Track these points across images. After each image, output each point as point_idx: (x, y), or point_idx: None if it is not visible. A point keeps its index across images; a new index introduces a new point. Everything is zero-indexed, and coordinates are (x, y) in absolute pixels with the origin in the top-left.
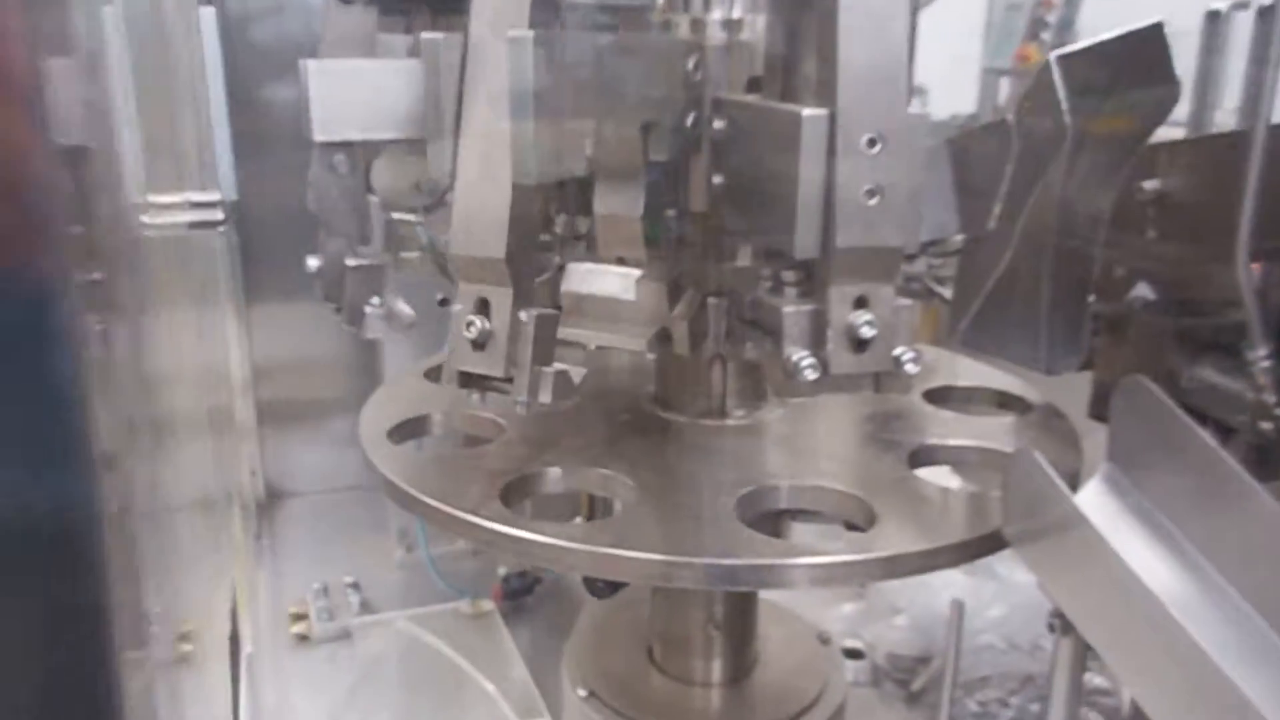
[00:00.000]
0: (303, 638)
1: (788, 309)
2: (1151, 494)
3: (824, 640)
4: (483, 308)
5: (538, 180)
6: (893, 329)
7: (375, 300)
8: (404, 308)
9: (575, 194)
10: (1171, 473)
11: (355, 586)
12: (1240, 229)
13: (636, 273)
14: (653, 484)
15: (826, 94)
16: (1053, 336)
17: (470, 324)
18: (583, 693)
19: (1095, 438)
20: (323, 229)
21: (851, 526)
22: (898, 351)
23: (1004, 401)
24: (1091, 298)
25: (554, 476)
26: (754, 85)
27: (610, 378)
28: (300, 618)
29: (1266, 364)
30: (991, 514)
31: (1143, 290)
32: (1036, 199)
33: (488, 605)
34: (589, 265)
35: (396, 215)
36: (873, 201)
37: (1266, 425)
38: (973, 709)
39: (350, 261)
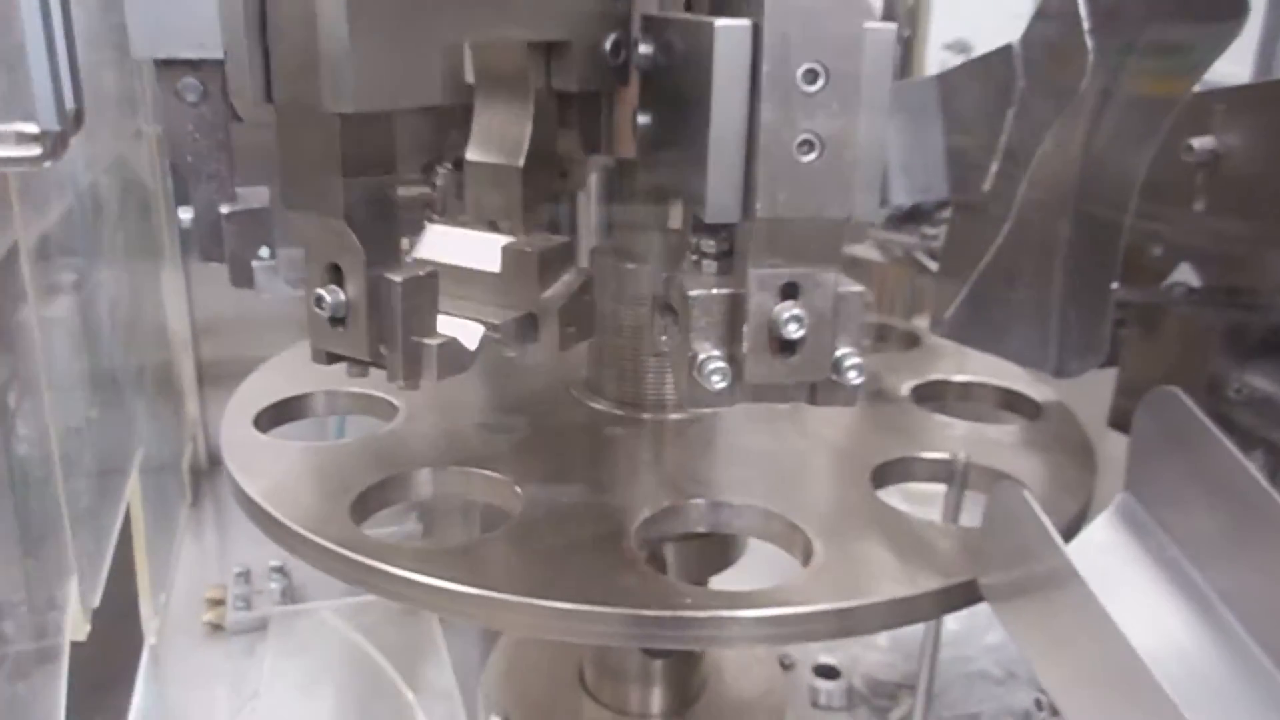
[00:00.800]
0: (215, 627)
1: (694, 293)
2: (1176, 534)
3: (786, 665)
4: (334, 275)
5: (360, 107)
6: (831, 326)
7: (263, 252)
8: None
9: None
10: (1203, 509)
11: (280, 571)
12: None
13: (504, 239)
14: (543, 497)
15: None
16: (1065, 330)
17: (319, 299)
18: (497, 719)
19: (1112, 449)
20: (188, 174)
21: None
22: (840, 354)
23: (1009, 402)
24: (1116, 284)
25: (421, 481)
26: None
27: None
28: (217, 604)
29: None
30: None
31: (1184, 275)
32: (1046, 154)
33: None
34: (446, 228)
35: None
36: (808, 157)
37: None
38: None
39: (225, 208)
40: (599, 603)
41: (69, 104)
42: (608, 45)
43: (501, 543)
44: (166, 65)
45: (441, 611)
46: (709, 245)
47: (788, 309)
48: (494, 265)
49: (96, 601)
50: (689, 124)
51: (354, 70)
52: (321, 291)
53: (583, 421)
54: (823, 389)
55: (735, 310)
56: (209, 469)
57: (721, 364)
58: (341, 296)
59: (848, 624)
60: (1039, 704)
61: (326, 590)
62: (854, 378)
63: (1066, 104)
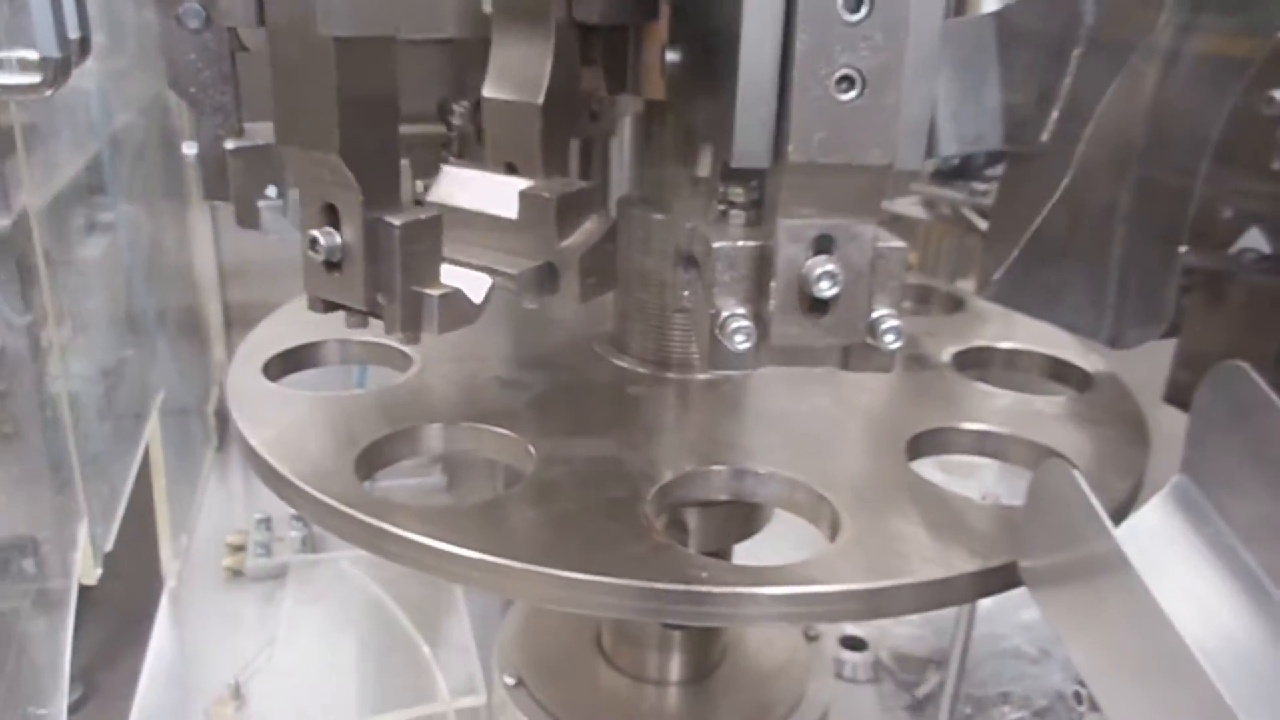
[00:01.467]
0: (236, 573)
1: (719, 244)
2: (1235, 520)
3: (811, 636)
4: (330, 216)
5: (358, 30)
6: (867, 284)
7: (270, 191)
8: None
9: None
10: (1265, 494)
11: (300, 520)
12: None
13: (522, 183)
14: (558, 457)
15: None
16: (1124, 297)
17: (314, 241)
18: (510, 680)
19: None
20: (191, 106)
21: None
22: (876, 315)
23: (1058, 372)
24: (1184, 248)
25: (431, 436)
26: None
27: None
28: (238, 550)
29: None
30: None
31: (1255, 240)
32: (1112, 103)
33: None
34: (466, 170)
35: None
36: (848, 95)
37: None
38: None
39: (230, 144)
40: (608, 573)
41: (72, 32)
42: None
43: (511, 505)
44: None
45: (439, 574)
46: (737, 194)
47: (820, 264)
48: (511, 211)
49: (109, 545)
50: (718, 58)
51: None
52: (316, 233)
53: (605, 379)
54: (856, 353)
55: (763, 265)
56: None
57: (745, 322)
58: (337, 239)
59: (873, 606)
60: (1079, 697)
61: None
62: (891, 341)
63: (1137, 48)
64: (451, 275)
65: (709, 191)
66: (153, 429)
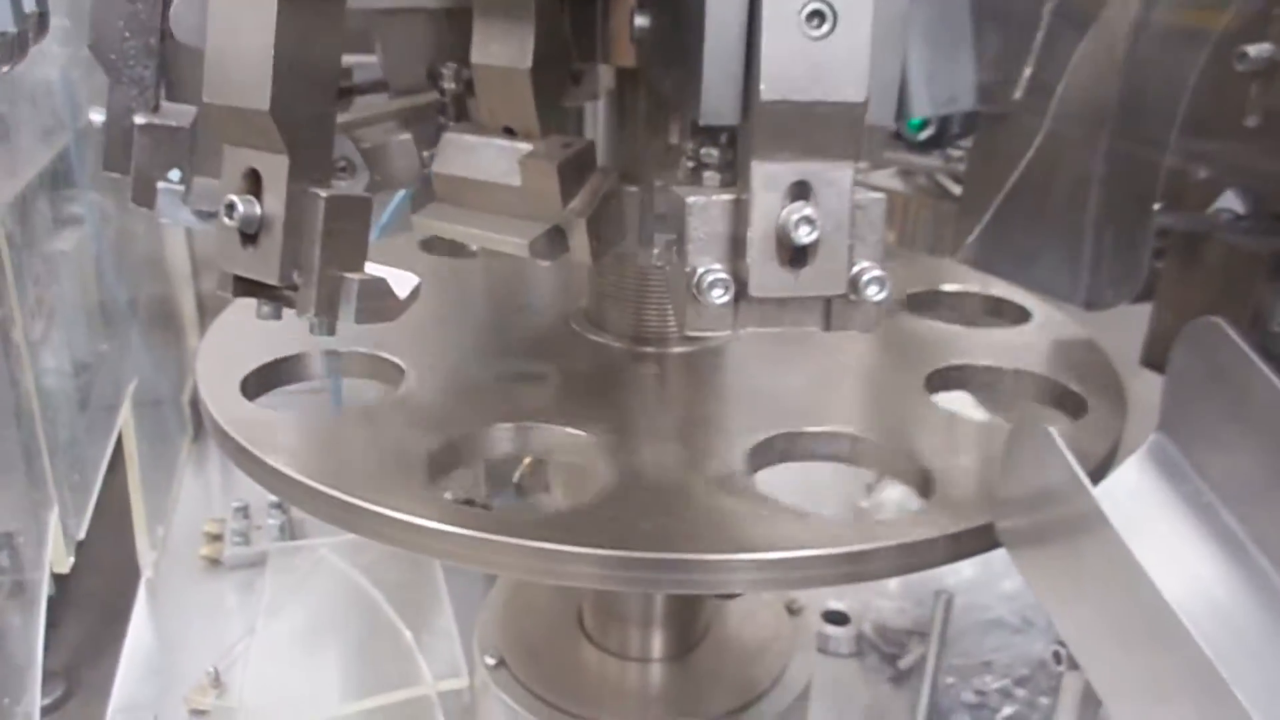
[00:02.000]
0: (213, 562)
1: (692, 199)
2: (1213, 477)
3: (794, 610)
4: (251, 184)
5: None
6: (847, 231)
7: (173, 174)
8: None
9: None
10: (1243, 450)
11: (279, 508)
12: None
13: (524, 147)
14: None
15: None
16: (1098, 259)
17: (231, 206)
18: (491, 661)
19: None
20: (107, 73)
21: None
22: (858, 269)
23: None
24: (1157, 206)
25: (501, 439)
26: None
27: (542, 283)
28: (215, 539)
29: None
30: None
31: (1230, 202)
32: (1083, 62)
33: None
34: (470, 137)
35: None
36: (819, 31)
37: None
38: (968, 699)
39: (139, 119)
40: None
41: (28, 6)
42: None
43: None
44: None
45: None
46: (710, 154)
47: (798, 210)
48: (514, 178)
49: (81, 534)
50: (682, 12)
51: None
52: (234, 198)
53: (605, 361)
54: (838, 310)
55: (738, 220)
56: None
57: (723, 275)
58: (256, 209)
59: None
60: (1057, 657)
61: (325, 527)
62: (875, 294)
63: (1107, 4)
64: (378, 270)
65: (680, 158)
66: (126, 420)
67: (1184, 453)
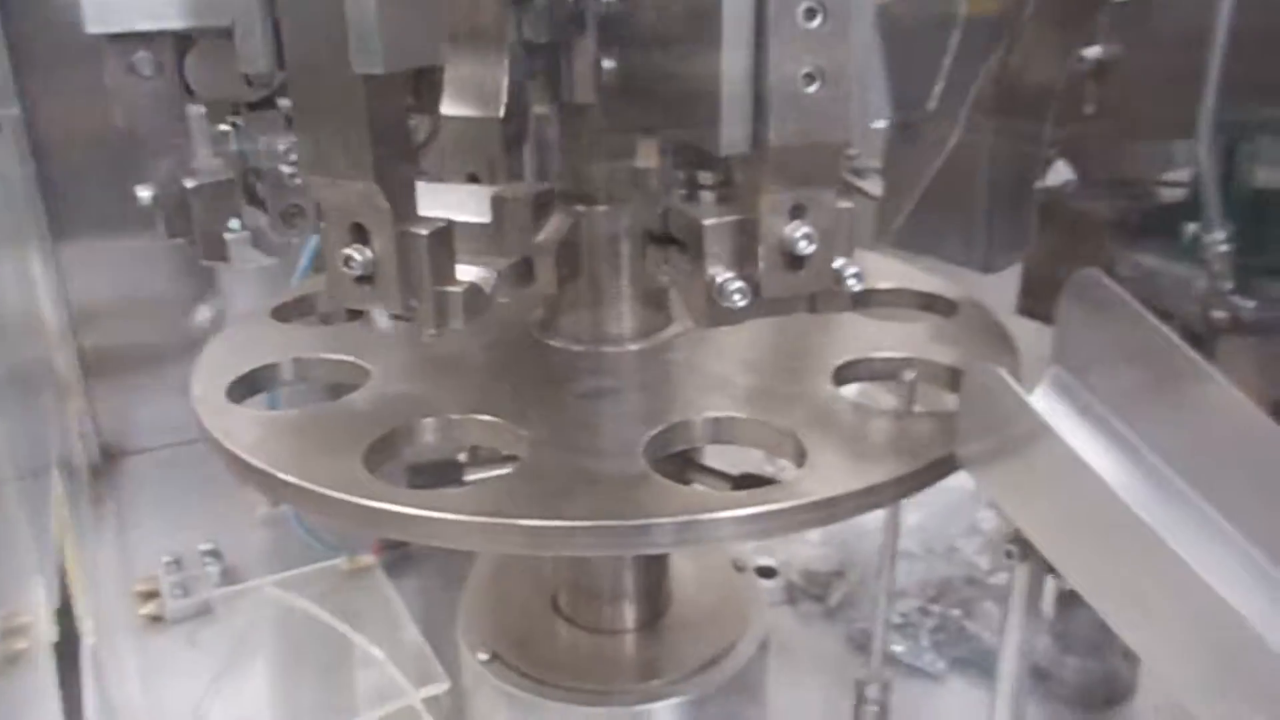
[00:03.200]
0: (155, 619)
1: (709, 222)
2: (1103, 395)
3: (739, 567)
4: (358, 234)
5: (390, 68)
6: (833, 240)
7: (234, 223)
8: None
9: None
10: (1124, 369)
11: (214, 554)
12: (1205, 98)
13: (488, 190)
14: (546, 432)
15: None
16: (991, 231)
17: (349, 259)
18: (484, 656)
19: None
20: (147, 149)
21: None
22: (838, 265)
23: (928, 304)
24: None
25: (427, 430)
26: None
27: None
28: (150, 596)
29: (1224, 248)
30: (936, 436)
31: (1061, 171)
32: (985, 71)
33: (367, 559)
34: (432, 185)
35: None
36: (812, 88)
37: (1219, 314)
38: (895, 621)
39: (189, 183)
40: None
41: None
42: None
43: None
44: (118, 39)
45: (491, 547)
46: (707, 177)
47: (798, 228)
48: (484, 216)
49: None
50: (689, 65)
51: (381, 32)
52: (350, 252)
53: (550, 359)
54: (822, 298)
55: (742, 234)
56: (106, 465)
57: (741, 283)
58: (370, 254)
59: (873, 500)
60: (1008, 554)
61: (264, 566)
62: (854, 284)
63: (1004, 30)
64: (463, 273)
65: (642, 180)
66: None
67: (1077, 378)
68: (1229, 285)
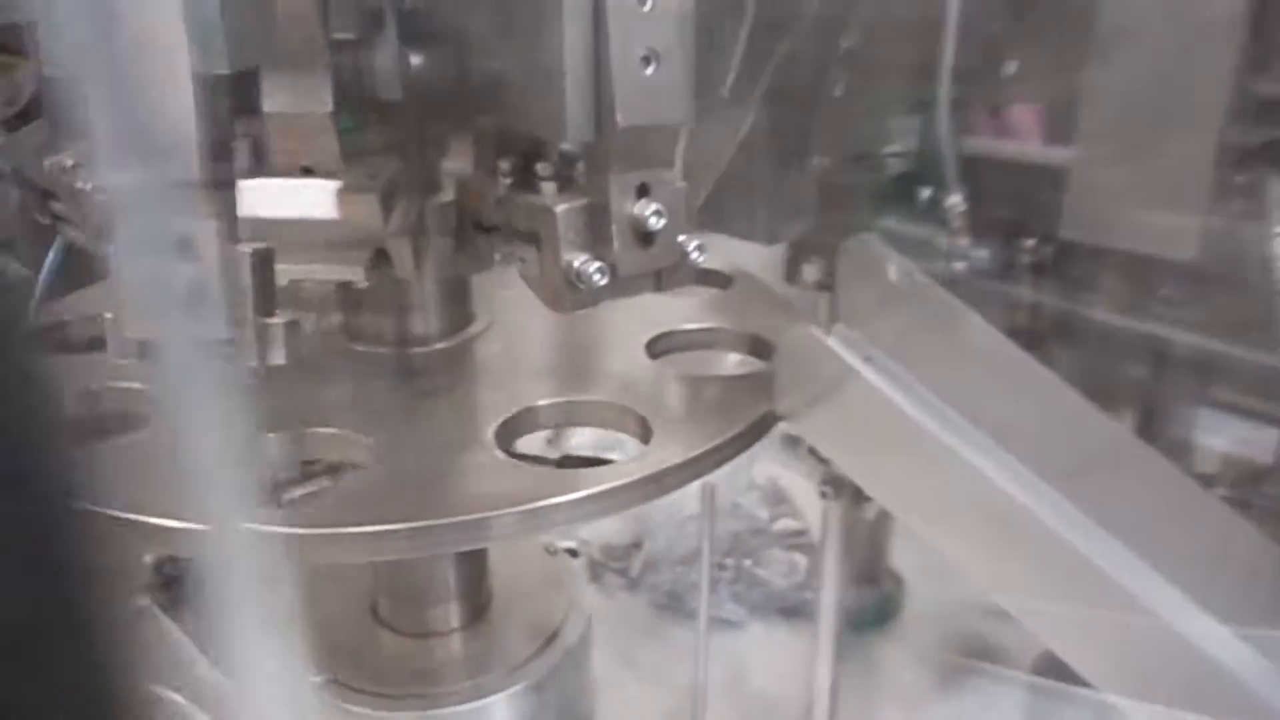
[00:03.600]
0: None
1: (561, 208)
2: (881, 341)
3: (551, 551)
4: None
5: (231, 67)
6: (677, 217)
7: None
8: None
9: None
10: (895, 316)
11: None
12: (941, 76)
13: (334, 184)
14: (386, 437)
15: None
16: (773, 206)
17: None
18: (318, 679)
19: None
20: None
21: None
22: (681, 239)
23: (703, 278)
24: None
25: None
26: None
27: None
28: None
29: (962, 209)
30: (752, 394)
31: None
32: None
33: (140, 602)
34: (265, 180)
35: None
36: (650, 70)
37: (960, 265)
38: (695, 580)
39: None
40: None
41: None
42: None
43: (379, 481)
44: None
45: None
46: (546, 168)
47: (646, 206)
48: (332, 211)
49: None
50: (524, 56)
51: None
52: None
53: (364, 363)
54: (668, 273)
55: (592, 217)
56: None
57: (600, 263)
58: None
59: (715, 459)
60: (822, 494)
61: None
62: (698, 257)
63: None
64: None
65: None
66: None
67: (860, 330)
68: (966, 240)
